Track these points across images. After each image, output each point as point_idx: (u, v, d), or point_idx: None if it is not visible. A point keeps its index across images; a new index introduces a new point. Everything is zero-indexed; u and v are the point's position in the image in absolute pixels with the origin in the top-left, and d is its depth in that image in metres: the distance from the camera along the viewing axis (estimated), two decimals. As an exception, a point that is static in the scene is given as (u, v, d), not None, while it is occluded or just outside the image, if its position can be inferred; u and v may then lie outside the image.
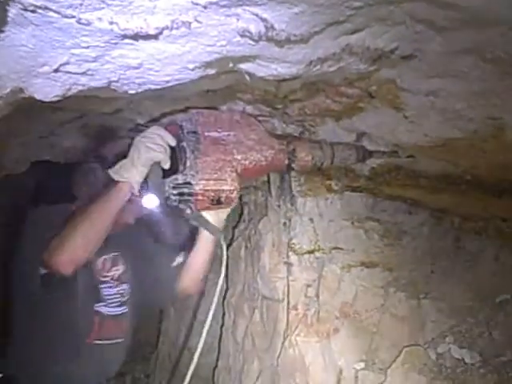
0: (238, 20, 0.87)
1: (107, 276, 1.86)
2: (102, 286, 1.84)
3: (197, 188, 1.45)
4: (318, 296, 2.10)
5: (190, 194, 1.45)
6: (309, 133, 1.87)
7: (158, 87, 1.07)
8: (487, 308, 1.93)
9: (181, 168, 1.46)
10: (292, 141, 1.73)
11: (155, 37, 0.85)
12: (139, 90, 1.07)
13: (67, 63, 0.88)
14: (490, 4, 0.86)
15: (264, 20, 0.87)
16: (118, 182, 1.46)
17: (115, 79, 0.98)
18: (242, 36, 0.91)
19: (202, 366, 3.45)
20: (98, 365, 1.85)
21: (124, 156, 1.47)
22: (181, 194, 1.45)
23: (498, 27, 0.94)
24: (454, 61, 1.14)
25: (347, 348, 1.99)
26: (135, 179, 1.45)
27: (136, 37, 0.84)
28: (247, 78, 1.16)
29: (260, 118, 1.88)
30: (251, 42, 0.93)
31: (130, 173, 1.44)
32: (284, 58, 1.03)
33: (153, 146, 1.43)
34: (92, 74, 0.94)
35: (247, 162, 1.57)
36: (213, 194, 1.49)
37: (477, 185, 1.69)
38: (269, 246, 2.36)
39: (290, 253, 2.22)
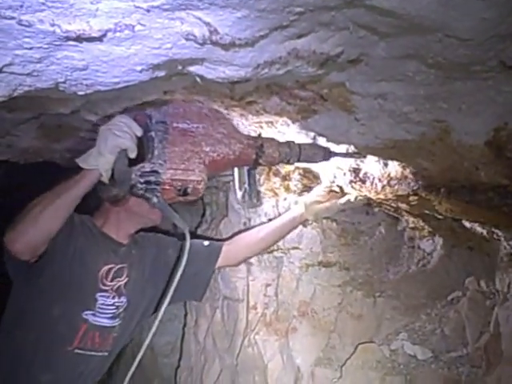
0: (182, 23, 0.88)
1: (108, 285, 1.83)
2: (99, 294, 1.81)
3: (164, 177, 1.46)
4: (276, 295, 2.13)
5: (156, 183, 1.46)
6: (266, 135, 1.90)
7: (108, 88, 1.07)
8: (439, 305, 1.98)
9: (148, 156, 1.47)
10: (260, 137, 1.76)
11: (99, 39, 0.86)
12: (88, 91, 1.07)
13: (11, 64, 0.88)
14: (425, 12, 0.89)
15: (207, 24, 0.89)
16: (85, 169, 1.46)
17: (62, 80, 0.99)
18: (186, 39, 0.92)
19: (165, 366, 3.46)
20: (74, 375, 1.81)
21: None
22: (147, 183, 1.45)
23: (434, 34, 0.98)
24: (398, 65, 1.17)
25: (305, 346, 2.03)
26: (103, 167, 1.45)
27: (79, 39, 0.84)
28: (198, 80, 1.17)
29: (218, 119, 1.91)
30: (196, 45, 0.94)
31: (98, 161, 1.44)
32: (231, 61, 1.05)
33: (119, 133, 1.44)
34: (37, 75, 0.94)
35: (215, 155, 1.59)
36: (180, 183, 1.50)
37: (427, 186, 1.74)
38: (229, 246, 2.38)
39: (250, 253, 2.24)
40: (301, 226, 2.12)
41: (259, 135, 1.78)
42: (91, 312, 1.79)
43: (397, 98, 1.33)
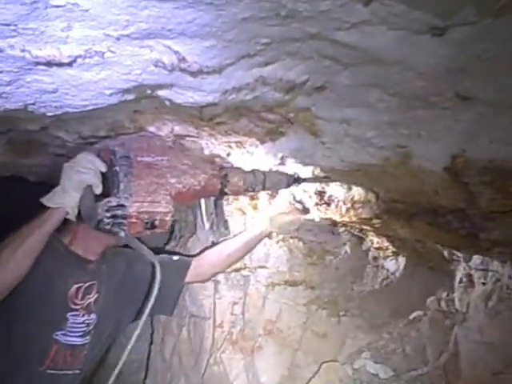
0: (151, 51, 0.91)
1: (78, 304, 1.80)
2: (70, 313, 1.78)
3: (130, 210, 1.47)
4: (243, 314, 2.15)
5: (123, 217, 1.47)
6: (235, 155, 1.93)
7: (77, 110, 1.09)
8: (401, 324, 2.03)
9: (114, 191, 1.48)
10: (225, 166, 1.79)
11: (69, 64, 0.88)
12: (57, 113, 1.09)
13: (-20, 86, 0.90)
14: (384, 48, 0.94)
15: (176, 52, 0.92)
16: (51, 208, 1.46)
17: (31, 102, 1.00)
18: (156, 66, 0.95)
19: (131, 383, 3.42)
20: None
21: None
22: (114, 217, 1.46)
23: (394, 66, 1.03)
24: (361, 93, 1.22)
25: (270, 364, 2.05)
26: (68, 205, 1.45)
27: (49, 64, 0.87)
28: (167, 103, 1.20)
29: (188, 139, 1.93)
30: (165, 71, 0.97)
31: (63, 199, 1.45)
32: (199, 87, 1.08)
33: (83, 170, 1.45)
34: (7, 97, 0.96)
35: (181, 186, 1.61)
36: (147, 216, 1.51)
37: (390, 210, 1.79)
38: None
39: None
40: (268, 246, 2.15)
41: (222, 168, 1.80)
42: (62, 332, 1.76)
43: (360, 123, 1.38)
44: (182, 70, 0.97)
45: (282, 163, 1.86)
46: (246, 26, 0.87)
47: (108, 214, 1.45)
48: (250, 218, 2.18)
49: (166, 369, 2.68)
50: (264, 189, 1.84)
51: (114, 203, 1.46)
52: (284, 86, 1.18)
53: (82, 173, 1.44)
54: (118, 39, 0.84)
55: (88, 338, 1.84)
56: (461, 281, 1.94)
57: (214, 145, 1.93)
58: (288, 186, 1.86)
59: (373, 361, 1.93)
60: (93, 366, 1.96)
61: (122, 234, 1.48)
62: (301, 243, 2.16)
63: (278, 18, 0.86)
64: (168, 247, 2.85)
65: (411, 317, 2.02)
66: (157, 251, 2.01)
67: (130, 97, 1.10)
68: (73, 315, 1.79)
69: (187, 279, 2.04)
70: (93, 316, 1.85)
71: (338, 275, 2.17)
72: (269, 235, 2.07)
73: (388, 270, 2.15)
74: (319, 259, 2.16)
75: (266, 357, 2.06)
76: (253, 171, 1.81)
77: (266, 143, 1.76)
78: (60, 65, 0.87)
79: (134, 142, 1.60)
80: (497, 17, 0.81)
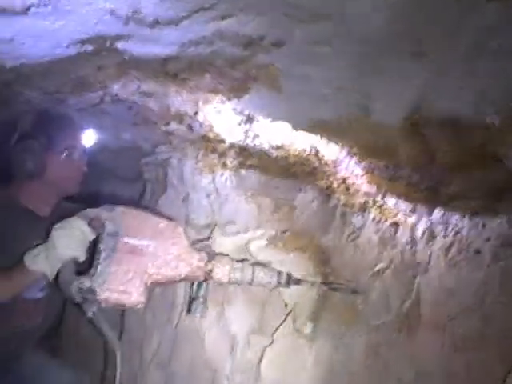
0: (105, 1, 0.92)
1: None
2: None
3: (101, 297, 1.49)
4: (213, 268, 2.19)
5: (92, 301, 1.49)
6: (202, 112, 1.95)
7: (35, 62, 1.10)
8: (366, 277, 2.10)
9: (91, 272, 1.51)
10: (212, 258, 1.71)
11: (23, 13, 0.89)
12: (16, 64, 1.09)
13: None
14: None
15: (130, 3, 0.93)
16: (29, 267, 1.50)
17: (-13, 51, 1.01)
18: (111, 16, 0.96)
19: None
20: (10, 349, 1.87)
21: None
22: (84, 299, 1.49)
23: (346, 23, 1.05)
24: (316, 49, 1.24)
25: (240, 316, 2.11)
26: (49, 272, 1.49)
27: (3, 12, 0.87)
28: (126, 57, 1.21)
29: (155, 96, 1.94)
30: (121, 22, 0.98)
31: (44, 264, 1.49)
32: (157, 40, 1.10)
33: (72, 244, 1.49)
34: (-38, 47, 0.96)
35: (159, 277, 1.60)
36: (115, 305, 1.54)
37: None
38: (168, 221, 2.43)
39: (189, 228, 2.30)
40: (237, 202, 2.20)
41: (209, 261, 1.70)
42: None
43: (317, 79, 1.40)
44: (138, 21, 0.98)
45: (249, 120, 1.88)
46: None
47: (79, 295, 1.47)
48: (218, 175, 2.21)
49: (139, 325, 2.74)
50: (251, 285, 1.78)
51: (87, 286, 1.47)
52: (241, 40, 1.19)
53: (71, 248, 1.48)
54: (70, -12, 0.85)
55: (47, 291, 1.87)
56: (423, 234, 2.01)
57: (180, 103, 1.95)
58: (279, 284, 1.77)
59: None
60: (52, 320, 2.01)
61: (90, 314, 1.49)
62: (268, 200, 2.20)
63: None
64: (141, 206, 2.87)
65: (376, 269, 2.09)
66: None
67: (89, 48, 1.11)
68: None
69: None
70: None
71: (305, 231, 2.22)
72: None
73: (354, 226, 2.21)
74: (286, 215, 2.21)
75: (237, 308, 2.12)
76: (242, 265, 1.74)
77: (232, 100, 1.78)
78: (14, 13, 0.87)
79: (126, 217, 1.58)
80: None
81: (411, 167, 1.69)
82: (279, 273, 1.77)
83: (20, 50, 1.03)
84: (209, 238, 2.20)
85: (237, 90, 1.66)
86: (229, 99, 1.76)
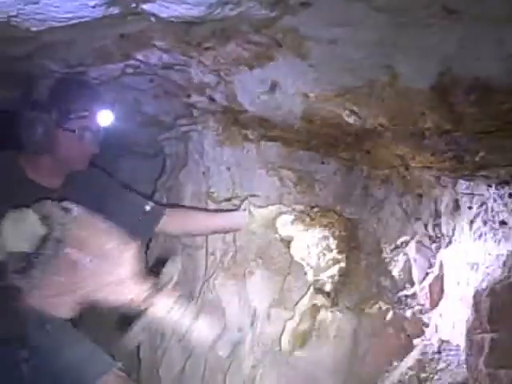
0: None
1: None
2: None
3: (26, 300, 1.42)
4: (234, 241, 2.19)
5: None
6: (224, 82, 1.93)
7: (61, 24, 1.08)
8: (389, 250, 2.08)
9: (26, 271, 1.42)
10: (158, 291, 1.55)
11: (51, -30, 0.88)
12: (41, 28, 1.08)
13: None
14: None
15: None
16: None
17: (14, 14, 0.99)
18: (139, -26, 0.94)
19: (125, 317, 3.52)
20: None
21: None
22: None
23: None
24: (347, 9, 1.21)
25: (261, 289, 2.11)
26: None
27: (31, -31, 0.86)
28: (152, 19, 1.19)
29: (177, 68, 1.92)
30: (149, -20, 0.96)
31: None
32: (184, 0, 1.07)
33: (19, 236, 1.41)
34: (-12, 9, 0.95)
35: (93, 299, 1.48)
36: (38, 310, 1.49)
37: (378, 133, 1.81)
38: (188, 195, 2.42)
39: (209, 201, 2.30)
40: (258, 175, 2.18)
41: (150, 297, 1.54)
42: None
43: (348, 43, 1.37)
44: (166, -21, 0.96)
45: (273, 89, 1.85)
46: None
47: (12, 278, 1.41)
48: (240, 147, 2.20)
49: (161, 299, 2.75)
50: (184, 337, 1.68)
51: (16, 284, 1.40)
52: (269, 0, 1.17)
53: (18, 236, 1.41)
54: None
55: None
56: (447, 206, 1.98)
57: (202, 73, 1.92)
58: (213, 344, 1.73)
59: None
60: None
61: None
62: (290, 172, 2.18)
63: None
64: (160, 182, 2.87)
65: (399, 242, 2.08)
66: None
67: (115, 11, 1.10)
68: None
69: (159, 227, 2.06)
70: None
71: (327, 203, 2.20)
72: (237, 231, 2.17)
73: (377, 198, 2.19)
74: (309, 188, 2.19)
75: (257, 282, 2.12)
76: (184, 312, 1.60)
77: (255, 69, 1.75)
78: (42, -30, 0.86)
79: (78, 225, 1.46)
80: None
81: (437, 135, 1.65)
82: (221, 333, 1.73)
83: (47, 10, 1.01)
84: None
85: (261, 57, 1.63)
86: (252, 68, 1.74)
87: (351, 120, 1.81)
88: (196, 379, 2.33)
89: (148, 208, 2.04)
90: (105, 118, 1.90)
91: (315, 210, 2.14)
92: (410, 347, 1.91)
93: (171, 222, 2.07)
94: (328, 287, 2.00)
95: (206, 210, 2.27)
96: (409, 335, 1.93)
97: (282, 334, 2.03)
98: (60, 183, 1.89)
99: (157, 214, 2.05)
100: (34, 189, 1.80)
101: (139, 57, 1.83)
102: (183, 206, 2.37)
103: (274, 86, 1.85)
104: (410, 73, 1.41)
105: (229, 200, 2.24)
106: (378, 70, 1.45)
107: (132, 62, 1.88)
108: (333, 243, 2.07)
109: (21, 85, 2.08)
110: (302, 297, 1.99)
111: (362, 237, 2.14)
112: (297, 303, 1.99)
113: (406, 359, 1.84)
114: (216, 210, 2.23)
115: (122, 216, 1.91)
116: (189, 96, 2.14)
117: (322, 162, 2.23)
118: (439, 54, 1.32)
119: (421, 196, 2.08)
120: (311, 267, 2.04)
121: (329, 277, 2.01)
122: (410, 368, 1.79)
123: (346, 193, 2.22)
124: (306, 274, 2.03)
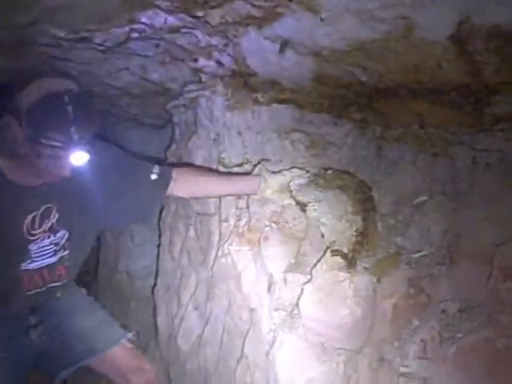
0: None
1: (35, 234, 1.77)
2: (30, 244, 1.77)
3: None
4: (248, 207, 2.17)
5: None
6: (232, 44, 1.88)
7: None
8: (406, 210, 2.05)
9: None
10: None
11: None
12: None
13: None
14: None
15: None
16: None
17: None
18: None
19: (141, 288, 3.55)
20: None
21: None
22: None
23: None
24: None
25: (277, 254, 2.09)
26: None
27: None
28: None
29: (183, 30, 1.87)
30: None
31: None
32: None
33: None
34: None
35: None
36: None
37: (393, 91, 1.76)
38: (199, 162, 2.40)
39: (220, 167, 2.27)
40: (268, 138, 2.14)
41: None
42: (28, 261, 1.78)
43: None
44: None
45: (283, 49, 1.80)
46: None
47: None
48: (250, 111, 2.16)
49: (175, 268, 2.76)
50: None
51: None
52: None
53: None
54: None
55: (63, 251, 1.86)
56: (464, 163, 1.94)
57: (210, 35, 1.88)
58: None
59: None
60: (79, 266, 2.01)
61: None
62: (303, 135, 2.14)
63: None
64: (169, 151, 2.84)
65: (415, 202, 2.04)
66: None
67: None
68: (35, 244, 1.77)
69: (168, 192, 2.01)
70: (60, 233, 1.83)
71: (341, 165, 2.16)
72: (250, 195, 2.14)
73: (390, 159, 2.14)
74: (322, 150, 2.15)
75: (273, 247, 2.10)
76: None
77: (264, 28, 1.70)
78: None
79: None
80: None
81: (455, 88, 1.61)
82: None
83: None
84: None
85: (270, 14, 1.58)
86: (261, 27, 1.69)
87: (364, 78, 1.76)
88: (214, 344, 2.34)
89: (154, 176, 1.95)
90: (79, 156, 1.63)
91: (329, 172, 2.10)
92: (429, 307, 1.89)
93: (179, 186, 2.01)
94: (345, 249, 1.98)
95: (220, 172, 2.23)
96: (428, 295, 1.92)
97: (299, 298, 2.02)
98: (41, 181, 1.75)
99: (164, 181, 1.98)
100: (13, 189, 1.70)
101: (144, 20, 1.79)
102: (196, 167, 2.33)
103: (284, 46, 1.80)
104: (426, 23, 1.36)
105: (240, 165, 2.21)
106: (392, 21, 1.40)
107: (137, 25, 1.84)
108: (348, 205, 2.04)
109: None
110: (319, 260, 1.97)
111: (377, 198, 2.11)
112: (314, 266, 1.97)
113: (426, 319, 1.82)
114: (230, 173, 2.19)
115: (128, 202, 1.92)
116: (196, 60, 2.09)
117: (335, 124, 2.18)
118: (457, 1, 1.27)
119: (436, 155, 2.04)
120: (327, 230, 2.02)
121: (345, 238, 1.99)
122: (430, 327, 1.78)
123: (359, 154, 2.17)
124: (322, 236, 2.00)
